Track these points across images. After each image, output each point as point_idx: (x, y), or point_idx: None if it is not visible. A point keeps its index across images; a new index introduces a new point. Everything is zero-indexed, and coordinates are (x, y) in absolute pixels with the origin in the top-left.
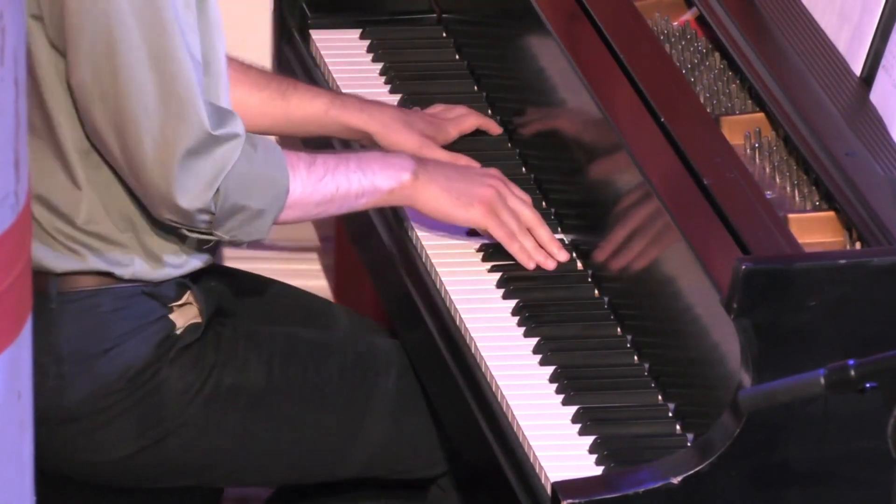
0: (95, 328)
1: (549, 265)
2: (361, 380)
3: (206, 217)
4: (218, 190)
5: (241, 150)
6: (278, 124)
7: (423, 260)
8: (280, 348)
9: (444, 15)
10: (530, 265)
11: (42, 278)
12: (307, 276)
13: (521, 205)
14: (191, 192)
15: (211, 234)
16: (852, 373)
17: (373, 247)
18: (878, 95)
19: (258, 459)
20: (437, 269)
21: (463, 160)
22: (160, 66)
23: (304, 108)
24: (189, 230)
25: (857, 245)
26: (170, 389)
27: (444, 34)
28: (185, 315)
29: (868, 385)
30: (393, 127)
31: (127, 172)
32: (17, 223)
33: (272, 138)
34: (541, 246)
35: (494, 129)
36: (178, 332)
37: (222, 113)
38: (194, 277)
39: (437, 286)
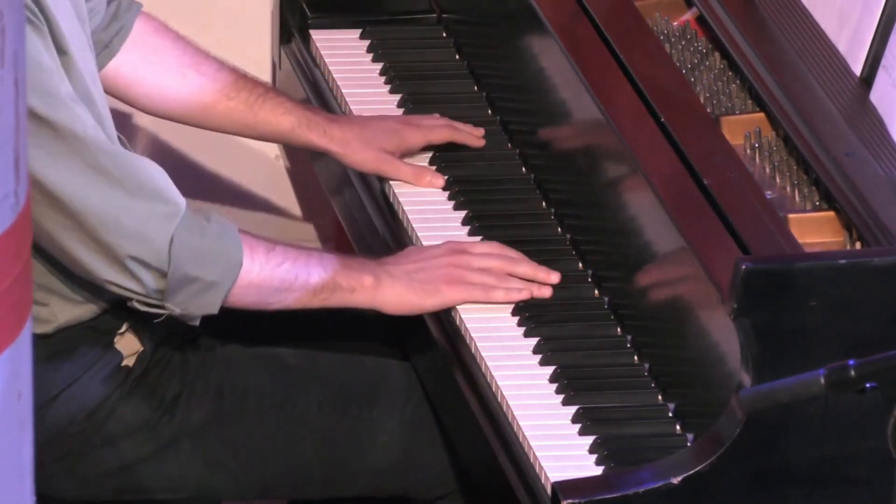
0: (36, 381)
1: (545, 293)
2: (344, 412)
3: (158, 285)
4: (170, 257)
5: (181, 220)
6: (244, 132)
7: None
8: (257, 378)
9: (444, 15)
10: (519, 297)
11: None
12: None
13: (487, 259)
14: (143, 249)
15: (163, 307)
16: (852, 373)
17: (374, 248)
18: (878, 95)
19: (239, 484)
20: None
21: (428, 175)
22: (67, 148)
23: (270, 123)
24: (140, 303)
25: (857, 245)
26: (127, 426)
27: (444, 34)
28: (129, 345)
29: (868, 385)
30: (353, 146)
31: (66, 255)
32: (17, 223)
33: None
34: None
35: (473, 142)
36: (128, 363)
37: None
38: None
39: None
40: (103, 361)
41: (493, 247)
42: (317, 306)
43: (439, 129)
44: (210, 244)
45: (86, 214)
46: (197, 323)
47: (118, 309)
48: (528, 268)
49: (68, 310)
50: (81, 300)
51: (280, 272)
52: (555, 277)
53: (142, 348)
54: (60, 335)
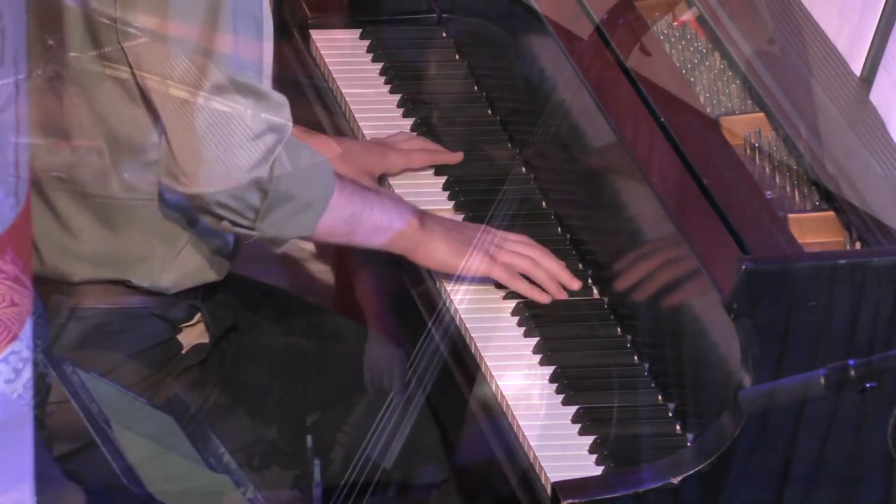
0: (100, 349)
1: (561, 294)
2: (345, 409)
3: (257, 202)
4: (272, 172)
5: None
6: None
7: None
8: (257, 376)
9: (444, 15)
10: (541, 299)
11: (57, 289)
12: (308, 280)
13: (520, 245)
14: (247, 165)
15: (253, 227)
16: (852, 373)
17: (374, 251)
18: (878, 95)
19: (240, 482)
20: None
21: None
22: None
23: None
24: (232, 223)
25: (857, 245)
26: (167, 408)
27: (444, 34)
28: (192, 335)
29: (868, 385)
30: (332, 162)
31: (175, 163)
32: (17, 223)
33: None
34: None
35: (451, 160)
36: (183, 352)
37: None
38: (208, 294)
39: (438, 286)
40: (162, 348)
41: (526, 239)
42: (365, 246)
43: (418, 154)
44: (309, 164)
45: (219, 111)
46: (283, 249)
47: (196, 299)
48: (554, 264)
49: (169, 260)
50: (175, 268)
51: (354, 200)
52: (576, 284)
53: (205, 340)
54: (136, 312)
